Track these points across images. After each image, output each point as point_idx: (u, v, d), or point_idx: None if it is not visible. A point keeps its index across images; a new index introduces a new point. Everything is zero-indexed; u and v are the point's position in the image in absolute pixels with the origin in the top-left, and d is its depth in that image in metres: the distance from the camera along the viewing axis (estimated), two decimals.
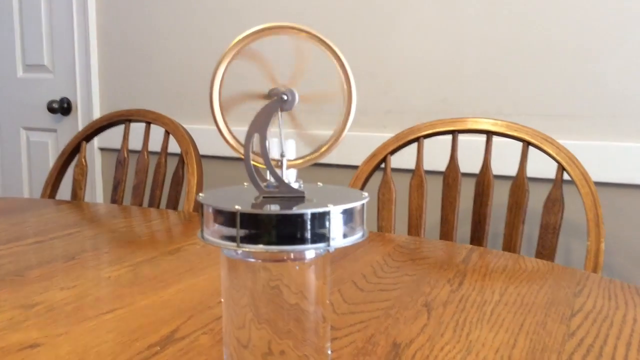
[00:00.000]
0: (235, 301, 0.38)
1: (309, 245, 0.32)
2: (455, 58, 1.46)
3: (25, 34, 2.09)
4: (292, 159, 0.36)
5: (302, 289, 0.36)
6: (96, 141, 1.96)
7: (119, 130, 1.44)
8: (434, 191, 1.40)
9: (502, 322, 0.58)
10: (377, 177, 1.22)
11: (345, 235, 0.34)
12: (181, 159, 1.28)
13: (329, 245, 0.33)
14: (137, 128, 1.50)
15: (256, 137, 0.35)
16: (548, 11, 1.35)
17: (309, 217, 0.32)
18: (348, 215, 0.34)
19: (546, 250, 1.09)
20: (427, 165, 1.22)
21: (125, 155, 1.37)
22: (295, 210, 0.32)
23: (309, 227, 0.32)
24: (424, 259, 0.80)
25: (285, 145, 0.36)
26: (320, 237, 0.33)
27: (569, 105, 1.36)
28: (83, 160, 1.40)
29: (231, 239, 0.33)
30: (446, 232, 1.16)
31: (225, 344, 0.41)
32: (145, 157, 1.35)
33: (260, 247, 0.32)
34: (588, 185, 1.05)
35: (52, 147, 2.09)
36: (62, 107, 2.02)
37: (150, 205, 1.30)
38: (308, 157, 0.36)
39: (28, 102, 2.11)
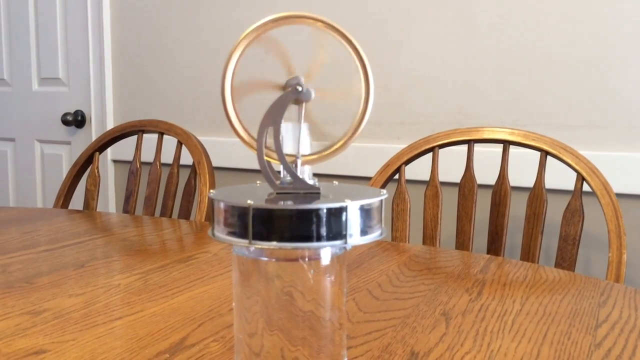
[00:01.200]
0: (247, 307, 0.36)
1: (325, 243, 0.31)
2: (470, 69, 1.45)
3: (40, 48, 2.10)
4: (307, 154, 0.35)
5: (318, 293, 0.34)
6: (109, 153, 1.96)
7: (131, 142, 1.44)
8: (449, 203, 1.38)
9: (525, 332, 0.55)
10: (391, 188, 1.20)
11: (363, 233, 0.32)
12: (193, 169, 1.28)
13: (345, 243, 0.31)
14: (150, 140, 1.49)
15: (269, 130, 0.34)
16: (564, 21, 1.33)
17: (325, 212, 0.30)
18: (366, 212, 0.32)
19: (566, 262, 1.06)
20: (442, 176, 1.20)
21: (138, 165, 1.37)
22: (311, 205, 0.30)
23: (324, 223, 0.30)
24: (440, 268, 0.78)
25: (300, 140, 0.34)
26: (337, 234, 0.31)
27: (587, 115, 1.34)
28: (96, 171, 1.40)
29: (243, 235, 0.31)
30: (462, 243, 1.14)
31: (237, 351, 0.40)
32: (158, 167, 1.34)
33: (274, 244, 0.30)
34: (609, 195, 1.02)
35: (66, 160, 2.09)
36: (77, 120, 2.03)
37: (162, 215, 1.29)
38: (324, 153, 0.35)
39: (43, 115, 2.13)
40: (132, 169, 1.37)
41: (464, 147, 1.17)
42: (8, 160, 2.24)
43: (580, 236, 1.05)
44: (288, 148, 0.35)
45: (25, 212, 1.17)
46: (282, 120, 0.33)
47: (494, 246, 1.12)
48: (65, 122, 2.02)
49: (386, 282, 0.71)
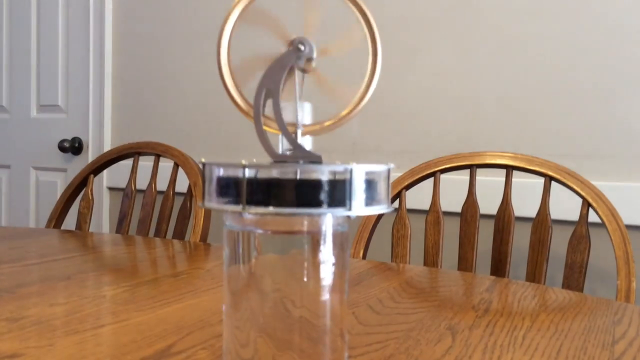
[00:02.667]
0: (237, 301, 0.33)
1: (326, 209, 0.28)
2: (472, 98, 1.44)
3: (41, 75, 2.11)
4: (308, 124, 0.32)
5: (317, 274, 0.31)
6: (105, 179, 1.93)
7: (127, 168, 1.42)
8: (451, 233, 1.35)
9: (537, 346, 0.52)
10: (391, 216, 1.17)
11: (368, 203, 0.29)
12: (189, 191, 1.25)
13: (349, 209, 0.28)
14: (145, 168, 1.47)
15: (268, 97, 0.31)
16: (566, 50, 1.33)
17: (328, 176, 0.28)
18: (371, 181, 0.29)
19: (572, 290, 1.02)
20: (444, 206, 1.17)
21: (133, 188, 1.34)
22: (312, 167, 0.27)
23: (326, 188, 0.28)
24: (444, 287, 0.74)
25: (301, 109, 0.32)
26: (340, 201, 0.28)
27: (590, 145, 1.32)
28: (90, 193, 1.37)
29: (236, 201, 0.28)
30: (465, 270, 1.10)
31: (225, 352, 0.36)
32: (153, 190, 1.31)
33: (270, 210, 0.27)
34: (616, 222, 0.99)
35: (61, 187, 2.06)
36: (73, 147, 2.01)
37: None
38: (326, 123, 0.32)
39: (40, 142, 2.11)
40: (126, 192, 1.34)
41: (466, 177, 1.15)
42: (2, 188, 2.21)
43: (587, 264, 1.01)
44: (288, 117, 0.32)
45: (15, 230, 1.13)
46: (282, 82, 0.31)
47: (498, 274, 1.08)
48: (62, 148, 2.00)
49: (387, 298, 0.67)
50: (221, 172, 0.29)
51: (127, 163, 1.61)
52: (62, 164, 2.06)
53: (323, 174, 0.28)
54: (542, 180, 1.09)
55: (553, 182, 1.07)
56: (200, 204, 0.30)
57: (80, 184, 1.38)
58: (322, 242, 0.30)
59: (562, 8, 1.34)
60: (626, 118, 1.28)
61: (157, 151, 1.33)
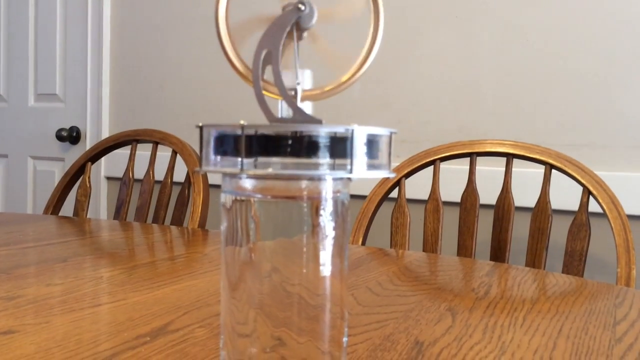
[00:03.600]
0: (235, 276, 0.32)
1: (326, 171, 0.27)
2: (472, 87, 1.43)
3: (39, 64, 2.09)
4: (308, 88, 0.31)
5: (316, 241, 0.30)
6: (103, 169, 1.93)
7: (125, 158, 1.40)
8: (450, 222, 1.34)
9: (537, 327, 0.51)
10: (390, 204, 1.16)
11: (370, 167, 0.28)
12: (187, 178, 1.24)
13: (351, 172, 0.27)
14: (143, 157, 1.46)
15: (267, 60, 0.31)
16: (567, 39, 1.32)
17: (328, 136, 0.27)
18: (373, 144, 0.28)
19: None
20: (444, 196, 1.17)
21: (131, 176, 1.33)
22: (312, 127, 0.27)
23: (327, 149, 0.27)
24: (444, 271, 0.74)
25: (300, 73, 0.31)
26: (341, 164, 0.28)
27: (591, 134, 1.31)
28: (87, 181, 1.36)
29: (234, 164, 0.28)
30: (464, 257, 1.09)
31: (222, 329, 0.35)
32: (151, 177, 1.31)
33: (269, 172, 0.27)
34: (616, 209, 0.99)
35: (59, 176, 2.05)
36: (71, 136, 2.00)
37: None
38: (327, 88, 0.32)
39: (37, 131, 2.10)
40: (124, 180, 1.34)
41: (466, 167, 1.14)
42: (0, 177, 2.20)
43: (586, 252, 1.01)
44: (287, 81, 0.31)
45: (12, 216, 1.12)
46: (282, 43, 0.30)
47: (497, 262, 1.08)
48: (59, 137, 1.99)
49: (386, 281, 0.67)
50: (219, 133, 0.28)
51: (125, 152, 1.60)
52: (60, 153, 2.05)
53: (323, 134, 0.27)
54: (542, 169, 1.09)
55: (553, 171, 1.06)
56: (197, 169, 0.29)
57: (77, 172, 1.38)
58: (322, 208, 0.30)
59: None
60: (626, 107, 1.28)
61: (155, 138, 1.32)
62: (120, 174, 1.85)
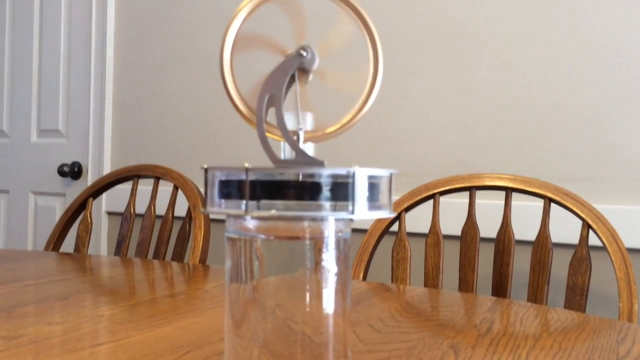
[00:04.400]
0: (239, 313, 0.32)
1: (329, 212, 0.28)
2: (470, 121, 1.45)
3: (42, 100, 2.12)
4: (310, 130, 0.32)
5: (319, 281, 0.31)
6: (104, 204, 1.93)
7: (126, 193, 1.41)
8: (451, 256, 1.34)
9: None
10: (391, 239, 1.16)
11: (371, 208, 0.29)
12: (188, 213, 1.24)
13: (352, 213, 0.28)
14: (145, 192, 1.47)
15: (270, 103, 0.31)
16: (564, 73, 1.35)
17: (330, 179, 0.28)
18: (374, 185, 0.29)
19: None
20: (443, 229, 1.17)
21: (132, 211, 1.33)
22: (314, 169, 0.28)
23: (329, 191, 0.28)
24: (446, 306, 0.74)
25: (302, 116, 0.32)
26: (342, 206, 0.28)
27: (589, 168, 1.32)
28: (89, 216, 1.36)
29: (239, 206, 0.28)
30: (465, 292, 1.09)
31: (227, 351, 0.35)
32: (152, 212, 1.31)
33: (273, 213, 0.27)
34: (616, 243, 0.99)
35: (60, 212, 2.06)
36: (73, 171, 2.01)
37: None
38: (328, 130, 0.33)
39: (39, 167, 2.11)
40: (125, 215, 1.34)
41: (465, 200, 1.15)
42: (1, 212, 2.20)
43: (588, 286, 1.01)
44: (289, 124, 0.32)
45: (13, 252, 1.12)
46: (284, 88, 0.31)
47: (499, 297, 1.07)
48: (61, 173, 2.00)
49: (388, 317, 0.67)
50: (224, 175, 0.29)
51: (126, 187, 1.61)
52: (61, 188, 2.06)
53: (326, 176, 0.28)
54: (541, 202, 1.09)
55: (552, 204, 1.07)
56: (202, 210, 0.30)
57: (79, 208, 1.38)
58: (324, 247, 0.30)
59: (560, 33, 1.35)
60: (623, 141, 1.29)
61: (157, 174, 1.33)
62: (121, 209, 1.86)
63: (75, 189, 2.01)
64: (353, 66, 0.39)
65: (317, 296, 0.31)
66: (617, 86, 1.30)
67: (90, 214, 1.36)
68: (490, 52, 1.43)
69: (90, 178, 1.97)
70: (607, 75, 1.31)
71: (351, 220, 0.29)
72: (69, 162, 2.04)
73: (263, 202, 0.28)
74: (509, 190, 1.11)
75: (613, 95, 1.30)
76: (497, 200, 1.26)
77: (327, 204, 0.28)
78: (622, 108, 1.29)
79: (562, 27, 1.35)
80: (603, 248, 0.98)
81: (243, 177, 0.28)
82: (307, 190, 0.27)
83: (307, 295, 0.31)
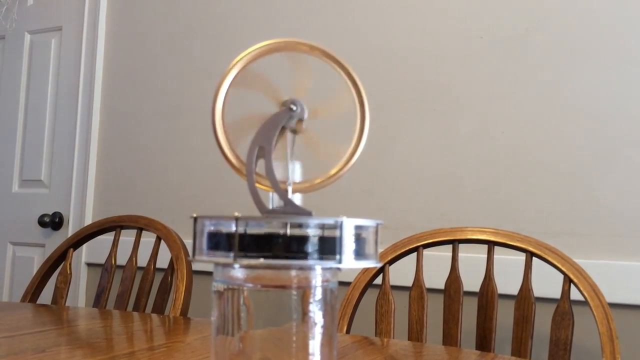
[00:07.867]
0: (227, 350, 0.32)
1: (316, 261, 0.28)
2: (453, 176, 1.47)
3: (25, 150, 2.11)
4: (298, 181, 0.33)
5: (306, 329, 0.31)
6: (84, 255, 1.90)
7: (107, 244, 1.39)
8: (434, 308, 1.33)
9: None
10: (374, 291, 1.16)
11: (357, 257, 0.30)
12: (171, 265, 1.23)
13: (340, 262, 0.28)
14: (126, 243, 1.45)
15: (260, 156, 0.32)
16: (544, 129, 1.39)
17: (317, 229, 0.28)
18: (361, 235, 0.30)
19: None
20: (427, 282, 1.17)
21: (113, 262, 1.32)
22: (302, 219, 0.28)
23: (317, 241, 0.28)
24: None
25: (291, 166, 0.33)
26: (330, 255, 0.29)
27: (569, 223, 1.34)
28: (68, 267, 1.34)
29: (227, 255, 0.29)
30: (449, 346, 1.08)
31: None
32: (134, 264, 1.29)
33: (261, 262, 0.28)
34: (598, 298, 1.00)
35: (38, 263, 2.02)
36: (54, 222, 1.99)
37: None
38: (316, 181, 0.33)
39: (19, 217, 2.08)
40: (106, 266, 1.32)
41: (448, 253, 1.15)
42: None
43: (571, 341, 1.01)
44: (278, 175, 0.33)
45: None
46: (274, 140, 0.32)
47: (483, 351, 1.06)
48: (42, 223, 1.98)
49: None
50: (213, 225, 0.29)
51: (108, 238, 1.59)
52: (41, 239, 2.03)
53: (313, 226, 0.28)
54: (523, 256, 1.10)
55: (534, 259, 1.08)
56: (190, 258, 0.30)
57: (58, 258, 1.36)
58: (311, 296, 0.30)
59: (538, 91, 1.40)
60: (604, 196, 1.32)
61: (140, 224, 1.32)
62: (101, 261, 1.83)
63: (55, 240, 1.98)
64: (340, 121, 0.40)
65: (304, 348, 0.31)
66: (596, 144, 1.34)
67: (70, 265, 1.34)
68: (469, 110, 1.47)
69: (71, 229, 1.95)
70: (587, 132, 1.35)
71: (338, 269, 0.30)
72: (50, 212, 2.02)
73: (251, 250, 0.28)
74: (491, 244, 1.12)
75: (593, 152, 1.34)
76: (479, 254, 1.27)
77: (314, 253, 0.28)
78: (601, 164, 1.33)
79: (541, 86, 1.40)
80: (585, 302, 0.99)
81: (232, 226, 0.28)
82: (295, 240, 0.28)
83: (294, 346, 0.31)
